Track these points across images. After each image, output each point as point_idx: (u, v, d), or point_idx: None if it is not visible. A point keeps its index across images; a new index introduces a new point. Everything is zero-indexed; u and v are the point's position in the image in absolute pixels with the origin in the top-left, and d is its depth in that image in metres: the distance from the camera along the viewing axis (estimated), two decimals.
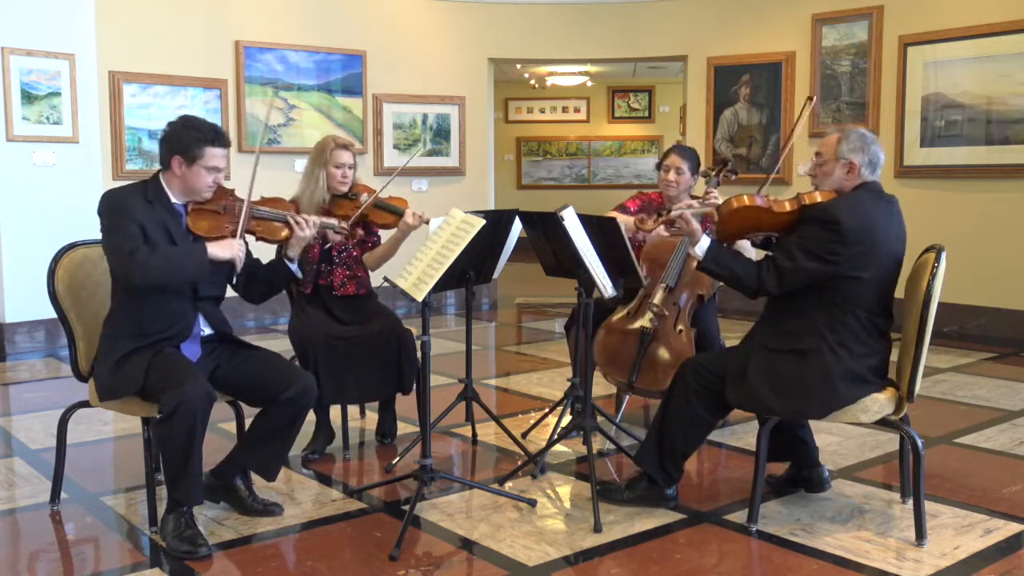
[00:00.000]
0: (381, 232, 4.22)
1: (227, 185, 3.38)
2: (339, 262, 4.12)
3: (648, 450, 3.42)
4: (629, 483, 3.50)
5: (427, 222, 3.81)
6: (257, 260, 3.52)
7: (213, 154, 3.22)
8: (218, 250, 3.22)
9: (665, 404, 3.41)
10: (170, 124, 3.26)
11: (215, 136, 3.23)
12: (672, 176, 4.33)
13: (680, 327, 4.09)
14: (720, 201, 3.80)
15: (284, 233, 3.43)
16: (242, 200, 3.32)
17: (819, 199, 3.18)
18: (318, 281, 4.11)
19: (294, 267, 3.49)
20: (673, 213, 3.33)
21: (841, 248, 3.05)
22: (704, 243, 3.24)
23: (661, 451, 3.38)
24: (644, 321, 4.11)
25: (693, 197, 4.31)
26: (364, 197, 4.07)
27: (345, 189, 4.11)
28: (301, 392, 3.26)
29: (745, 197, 3.24)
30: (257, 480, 3.45)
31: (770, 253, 3.27)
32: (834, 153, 3.22)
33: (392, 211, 4.07)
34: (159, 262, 3.11)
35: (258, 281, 3.52)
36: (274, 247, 3.53)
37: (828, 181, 3.24)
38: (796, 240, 3.14)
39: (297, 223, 3.41)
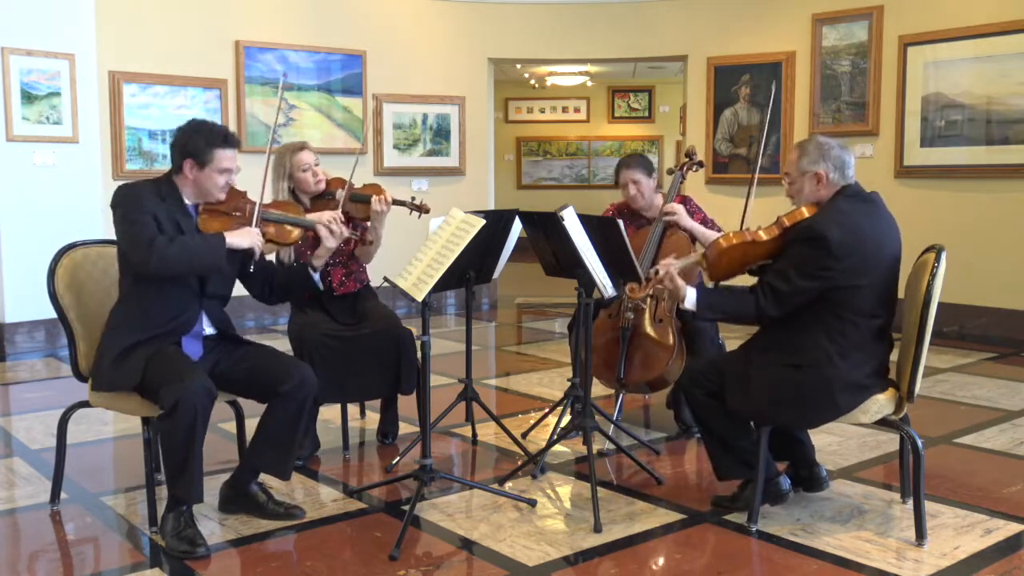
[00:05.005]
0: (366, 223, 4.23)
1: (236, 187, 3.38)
2: (335, 263, 4.12)
3: (722, 461, 3.35)
4: (734, 496, 3.44)
5: (391, 204, 3.96)
6: (271, 263, 3.53)
7: (224, 156, 3.24)
8: (236, 239, 3.24)
9: (697, 418, 3.43)
10: (179, 128, 3.28)
11: (225, 138, 3.25)
12: (632, 190, 4.37)
13: (661, 318, 4.12)
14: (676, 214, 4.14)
15: (294, 236, 3.45)
16: (254, 202, 3.35)
17: (804, 214, 3.18)
18: None
19: (316, 277, 3.53)
20: (661, 273, 3.28)
21: (832, 263, 3.04)
22: (691, 294, 3.21)
23: (731, 452, 3.32)
24: (623, 317, 4.15)
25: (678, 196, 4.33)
26: (339, 193, 4.06)
27: (322, 187, 4.11)
28: (299, 383, 3.26)
29: (725, 238, 3.25)
30: (266, 481, 3.45)
31: (761, 277, 3.25)
32: (797, 170, 3.23)
33: (366, 201, 4.06)
34: (177, 251, 3.11)
35: (277, 284, 3.54)
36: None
37: (802, 197, 3.24)
38: (788, 262, 3.13)
39: (332, 230, 3.46)
